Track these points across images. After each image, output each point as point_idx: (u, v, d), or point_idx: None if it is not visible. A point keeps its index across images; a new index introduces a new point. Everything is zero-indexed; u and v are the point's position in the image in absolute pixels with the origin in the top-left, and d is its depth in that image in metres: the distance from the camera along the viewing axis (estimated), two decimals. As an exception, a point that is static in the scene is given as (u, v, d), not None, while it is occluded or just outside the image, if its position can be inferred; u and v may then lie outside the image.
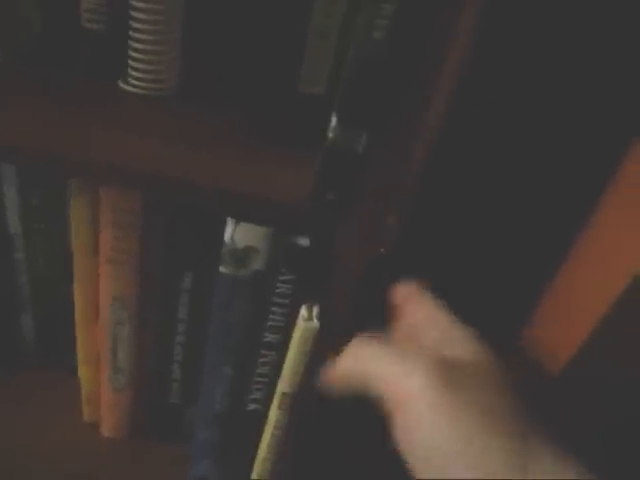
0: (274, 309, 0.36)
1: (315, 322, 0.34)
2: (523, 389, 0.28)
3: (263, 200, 0.33)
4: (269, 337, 0.37)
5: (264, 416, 0.42)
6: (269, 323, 0.37)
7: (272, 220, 0.34)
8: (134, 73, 0.39)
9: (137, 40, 0.38)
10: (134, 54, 0.39)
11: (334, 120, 0.30)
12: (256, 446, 0.44)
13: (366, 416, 0.34)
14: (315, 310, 0.35)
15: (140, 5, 0.37)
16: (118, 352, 0.46)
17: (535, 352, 0.40)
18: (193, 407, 0.50)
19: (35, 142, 0.34)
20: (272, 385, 0.39)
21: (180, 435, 0.52)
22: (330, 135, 0.30)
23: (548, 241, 0.43)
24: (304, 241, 0.34)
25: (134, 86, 0.40)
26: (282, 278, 0.34)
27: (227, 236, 0.35)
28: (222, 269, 0.36)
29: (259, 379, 0.40)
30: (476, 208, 0.46)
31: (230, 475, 0.48)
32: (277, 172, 0.34)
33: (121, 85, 0.40)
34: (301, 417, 0.39)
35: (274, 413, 0.39)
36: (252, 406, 0.41)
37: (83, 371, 0.49)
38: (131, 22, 0.38)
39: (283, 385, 0.38)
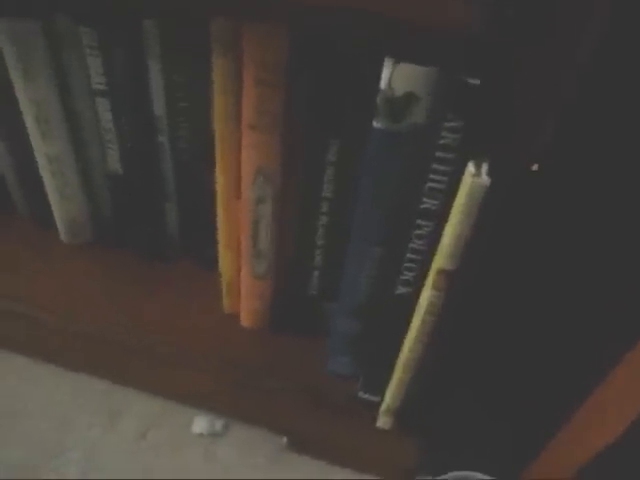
0: (435, 167, 0.31)
1: (485, 178, 0.29)
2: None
3: (426, 29, 0.28)
4: (428, 203, 0.33)
5: (414, 301, 0.38)
6: (429, 185, 0.32)
7: (437, 56, 0.29)
8: None
9: None
10: None
11: None
12: (402, 338, 0.41)
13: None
14: (485, 165, 0.30)
15: None
16: (259, 234, 0.44)
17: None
18: (332, 301, 0.48)
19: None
20: (426, 263, 0.35)
21: (319, 328, 0.50)
22: None
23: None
24: (475, 80, 0.29)
25: None
26: (447, 126, 0.30)
27: (383, 82, 0.30)
28: (376, 124, 0.32)
29: (412, 256, 0.36)
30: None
31: (371, 370, 0.45)
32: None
33: None
34: (461, 300, 0.35)
35: (427, 295, 0.35)
36: (401, 289, 0.38)
37: (224, 257, 0.48)
38: None
39: (441, 260, 0.33)
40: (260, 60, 0.34)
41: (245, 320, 0.51)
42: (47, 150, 0.52)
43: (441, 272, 0.34)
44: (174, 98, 0.46)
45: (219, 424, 0.56)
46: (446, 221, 0.33)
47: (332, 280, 0.46)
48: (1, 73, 0.47)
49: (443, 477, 0.48)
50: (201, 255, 0.56)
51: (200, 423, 0.56)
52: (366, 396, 0.47)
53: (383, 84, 0.30)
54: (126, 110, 0.48)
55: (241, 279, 0.48)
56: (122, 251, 0.58)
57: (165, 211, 0.54)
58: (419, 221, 0.34)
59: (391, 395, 0.44)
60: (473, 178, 0.29)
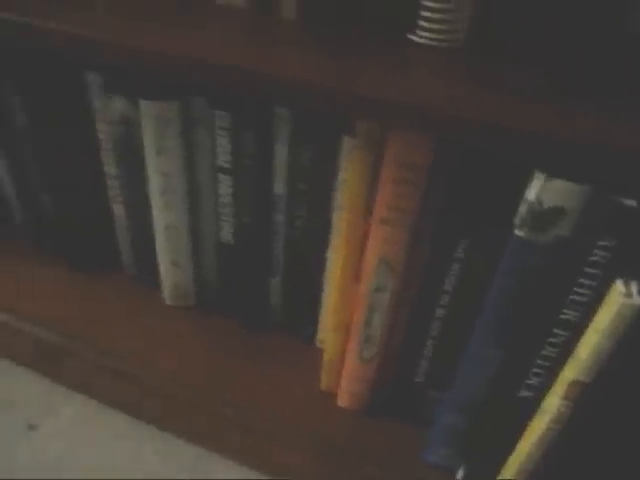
0: (581, 281, 0.31)
1: (637, 299, 0.29)
2: None
3: (583, 151, 0.29)
4: (568, 314, 0.33)
5: (536, 406, 0.37)
6: (571, 297, 0.32)
7: (593, 176, 0.29)
8: (425, 24, 0.38)
9: (434, -10, 0.36)
10: (428, 3, 0.37)
11: None
12: (516, 439, 0.40)
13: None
14: (635, 285, 0.30)
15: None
16: (373, 320, 0.44)
17: None
18: (438, 391, 0.47)
19: (325, 83, 0.33)
20: (556, 369, 0.35)
21: (419, 416, 0.49)
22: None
23: None
24: (631, 201, 0.29)
25: (424, 38, 0.38)
26: (600, 244, 0.30)
27: (532, 194, 0.31)
28: (517, 232, 0.33)
29: (541, 362, 0.35)
30: None
31: (475, 466, 0.44)
32: (600, 119, 0.30)
33: (410, 37, 0.39)
34: (592, 412, 0.34)
35: (555, 403, 0.35)
36: (524, 393, 0.37)
37: (330, 337, 0.49)
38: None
39: (576, 371, 0.33)
40: (403, 161, 0.35)
41: (343, 400, 0.51)
42: (166, 218, 0.54)
43: (575, 383, 0.33)
44: (296, 181, 0.48)
45: (305, 501, 0.55)
46: (584, 331, 0.32)
47: (441, 370, 0.45)
48: (135, 145, 0.51)
49: None
50: (300, 329, 0.57)
51: (286, 498, 0.55)
52: (466, 492, 0.46)
53: (531, 196, 0.31)
54: (247, 188, 0.50)
55: (345, 361, 0.48)
56: (222, 318, 0.60)
57: (270, 285, 0.56)
58: (556, 330, 0.33)
59: (497, 496, 0.43)
60: (624, 298, 0.29)
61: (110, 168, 0.56)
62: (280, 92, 0.35)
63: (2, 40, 0.45)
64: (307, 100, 0.35)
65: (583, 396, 0.33)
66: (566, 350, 0.34)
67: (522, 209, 0.32)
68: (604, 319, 0.30)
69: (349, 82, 0.33)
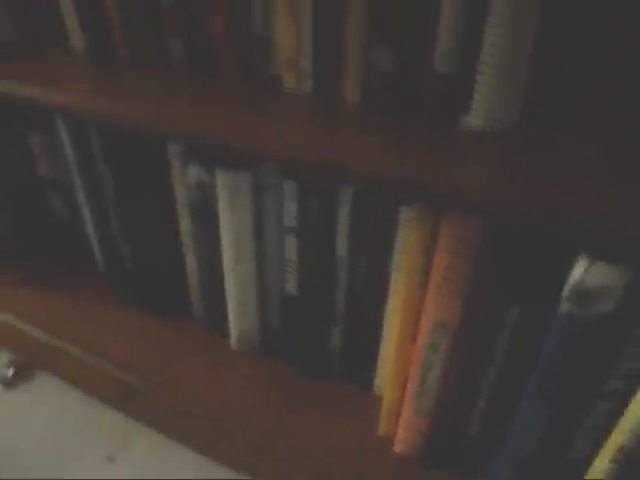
0: (627, 352, 0.34)
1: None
2: None
3: (628, 237, 0.32)
4: (613, 385, 0.35)
5: (586, 467, 0.39)
6: (616, 371, 0.35)
7: (633, 254, 0.32)
8: (477, 111, 0.41)
9: (485, 80, 0.40)
10: (482, 88, 0.41)
11: None
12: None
13: None
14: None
15: (492, 50, 0.39)
16: (428, 377, 0.47)
17: None
18: (490, 444, 0.50)
19: (378, 171, 0.38)
20: (605, 433, 0.37)
21: (473, 466, 0.52)
22: None
23: None
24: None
25: (477, 122, 0.42)
26: (643, 321, 0.32)
27: (577, 274, 0.34)
28: (563, 307, 0.35)
29: (589, 427, 0.38)
30: None
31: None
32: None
33: (465, 121, 0.42)
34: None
35: (604, 467, 0.37)
36: (573, 455, 0.39)
37: (388, 390, 0.52)
38: (481, 66, 0.40)
39: (623, 437, 0.35)
40: (456, 236, 0.39)
41: (399, 446, 0.54)
42: (236, 269, 0.59)
43: (623, 449, 0.35)
44: (357, 242, 0.52)
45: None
46: (631, 398, 0.35)
47: (493, 426, 0.48)
48: (209, 206, 0.56)
49: None
50: (358, 376, 0.60)
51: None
52: (518, 543, 0.48)
53: (576, 275, 0.34)
54: (311, 247, 0.54)
55: (402, 412, 0.51)
56: (284, 363, 0.64)
57: (331, 334, 0.59)
58: (599, 401, 0.36)
59: None
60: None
61: (185, 224, 0.62)
62: (340, 176, 0.40)
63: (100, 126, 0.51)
64: (365, 183, 0.39)
65: (631, 460, 0.35)
66: (614, 416, 0.36)
67: (567, 287, 0.35)
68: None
69: (400, 169, 0.37)
